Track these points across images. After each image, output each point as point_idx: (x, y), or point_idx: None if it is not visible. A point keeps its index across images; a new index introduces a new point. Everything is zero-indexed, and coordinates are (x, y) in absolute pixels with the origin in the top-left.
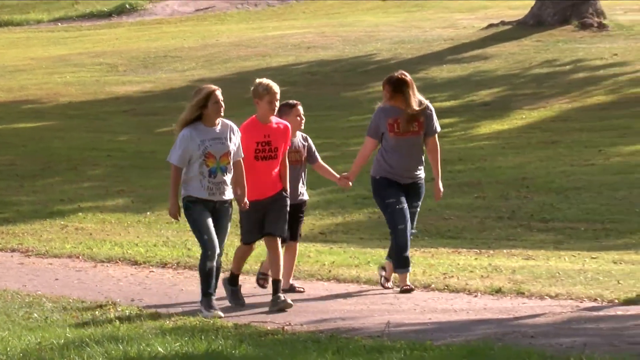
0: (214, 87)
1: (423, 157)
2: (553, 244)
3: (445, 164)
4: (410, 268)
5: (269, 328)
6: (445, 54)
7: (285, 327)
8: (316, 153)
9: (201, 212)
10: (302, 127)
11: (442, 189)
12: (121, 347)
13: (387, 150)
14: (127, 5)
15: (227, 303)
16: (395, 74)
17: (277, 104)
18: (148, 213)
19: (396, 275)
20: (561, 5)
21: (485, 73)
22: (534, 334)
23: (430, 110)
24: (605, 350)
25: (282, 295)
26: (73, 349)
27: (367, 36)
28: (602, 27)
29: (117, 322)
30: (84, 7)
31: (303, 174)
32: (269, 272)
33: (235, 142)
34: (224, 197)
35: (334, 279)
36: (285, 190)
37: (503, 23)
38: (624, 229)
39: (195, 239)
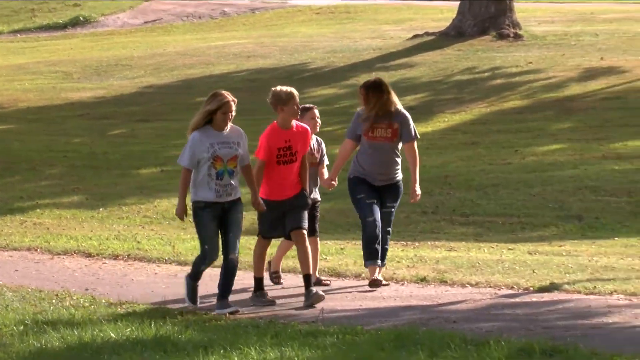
0: (228, 97)
1: (398, 163)
2: (473, 237)
3: None
4: (379, 262)
5: (212, 314)
6: (374, 62)
7: (228, 314)
8: (324, 158)
9: (209, 221)
10: (318, 130)
11: (419, 193)
12: (76, 333)
13: (362, 152)
14: (81, 18)
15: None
16: (372, 79)
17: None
18: (101, 209)
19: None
20: (480, 18)
21: (411, 80)
22: (456, 319)
23: (406, 117)
24: (522, 334)
25: (313, 289)
26: (32, 334)
27: (303, 46)
28: (517, 37)
29: (73, 310)
30: (41, 20)
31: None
32: (279, 268)
33: (243, 147)
34: (230, 197)
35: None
36: (305, 190)
37: (427, 34)
38: (538, 222)
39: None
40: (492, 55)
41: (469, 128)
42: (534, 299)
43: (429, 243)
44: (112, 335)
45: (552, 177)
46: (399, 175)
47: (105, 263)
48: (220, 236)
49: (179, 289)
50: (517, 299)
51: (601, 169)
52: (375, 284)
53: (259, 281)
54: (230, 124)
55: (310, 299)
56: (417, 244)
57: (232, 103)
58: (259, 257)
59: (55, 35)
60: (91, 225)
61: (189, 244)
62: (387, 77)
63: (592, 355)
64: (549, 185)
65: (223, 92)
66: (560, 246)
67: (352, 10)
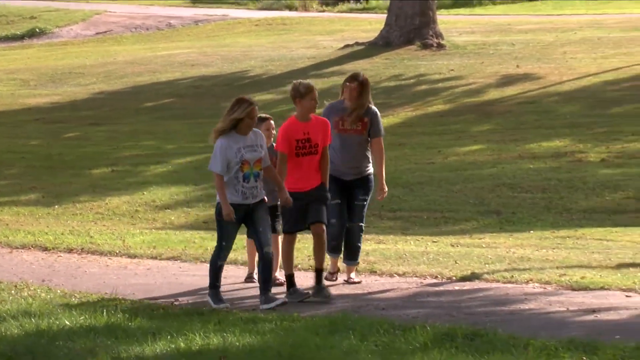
0: (253, 103)
1: (369, 155)
2: (400, 230)
3: None
4: (339, 255)
5: (160, 303)
6: (309, 70)
7: (174, 303)
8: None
9: (232, 221)
10: (272, 140)
11: (385, 189)
12: (33, 321)
13: (332, 147)
14: (37, 30)
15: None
16: (362, 76)
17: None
18: (56, 206)
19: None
20: (406, 29)
21: None
22: (384, 307)
23: (376, 114)
24: (445, 320)
25: (325, 286)
26: None
27: (242, 55)
28: (440, 47)
29: (30, 300)
30: (0, 31)
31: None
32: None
33: (264, 148)
34: (256, 199)
35: None
36: (325, 184)
37: (357, 44)
38: (459, 217)
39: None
40: (417, 64)
41: (396, 130)
42: (457, 288)
43: None
44: (67, 323)
45: (473, 175)
46: (370, 169)
47: (60, 256)
48: (250, 234)
49: (130, 280)
50: (441, 288)
51: (517, 167)
52: (330, 278)
53: (290, 278)
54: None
55: (321, 296)
56: None
57: (256, 107)
58: (287, 254)
59: (13, 45)
60: (47, 221)
61: (138, 238)
62: (320, 83)
63: (510, 339)
64: (469, 183)
65: (246, 97)
66: (480, 239)
67: (288, 22)
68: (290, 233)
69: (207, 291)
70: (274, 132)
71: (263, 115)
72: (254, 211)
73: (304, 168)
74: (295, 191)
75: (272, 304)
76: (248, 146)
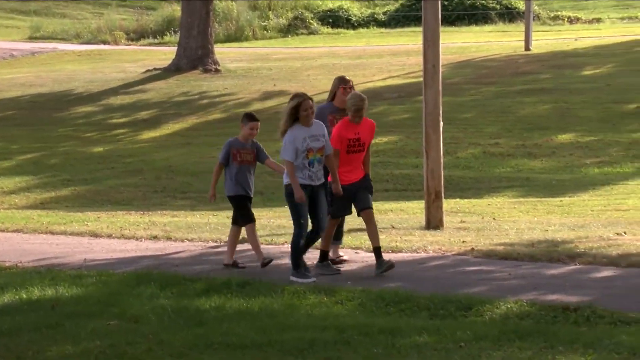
0: (304, 96)
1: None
2: (189, 207)
3: (120, 157)
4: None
5: (7, 265)
6: (119, 88)
7: (18, 264)
8: (264, 152)
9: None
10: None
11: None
12: None
13: None
14: None
15: None
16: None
17: None
18: None
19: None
20: (191, 58)
21: (145, 100)
22: (178, 264)
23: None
24: (223, 273)
25: (384, 258)
26: None
27: (68, 78)
28: (217, 71)
29: None
30: None
31: (254, 171)
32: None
33: (327, 138)
34: (320, 181)
35: (49, 232)
36: (368, 174)
37: (155, 69)
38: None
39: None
40: (200, 84)
41: (185, 133)
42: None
43: (158, 212)
44: None
45: None
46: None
47: None
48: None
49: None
50: (220, 249)
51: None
52: (336, 262)
53: (324, 253)
54: (314, 120)
55: (383, 267)
56: (150, 213)
57: (309, 101)
58: (329, 234)
59: None
60: None
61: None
62: (128, 99)
63: (271, 286)
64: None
65: (299, 93)
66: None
67: (104, 53)
68: (334, 218)
69: (291, 273)
70: (256, 131)
71: (250, 114)
72: (317, 194)
73: (351, 163)
74: (344, 183)
75: (306, 281)
76: (312, 136)
